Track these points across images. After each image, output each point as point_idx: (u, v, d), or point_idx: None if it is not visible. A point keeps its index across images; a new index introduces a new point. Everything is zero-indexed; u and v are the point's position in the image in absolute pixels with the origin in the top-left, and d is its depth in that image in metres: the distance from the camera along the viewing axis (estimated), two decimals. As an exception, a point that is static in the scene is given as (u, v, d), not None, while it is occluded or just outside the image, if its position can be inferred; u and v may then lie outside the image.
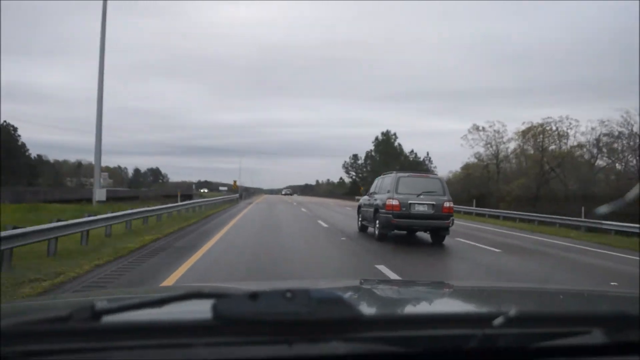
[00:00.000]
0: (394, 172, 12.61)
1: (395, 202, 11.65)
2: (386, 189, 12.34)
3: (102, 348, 0.88)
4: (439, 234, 12.06)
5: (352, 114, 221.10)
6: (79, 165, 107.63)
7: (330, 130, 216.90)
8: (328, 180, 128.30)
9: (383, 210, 11.90)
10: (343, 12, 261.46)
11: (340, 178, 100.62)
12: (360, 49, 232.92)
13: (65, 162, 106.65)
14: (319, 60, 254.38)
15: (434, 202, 11.67)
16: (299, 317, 0.88)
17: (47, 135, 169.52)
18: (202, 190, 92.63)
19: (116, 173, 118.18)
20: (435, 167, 64.54)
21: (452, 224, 11.94)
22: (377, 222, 12.24)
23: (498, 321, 0.97)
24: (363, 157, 77.53)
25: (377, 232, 12.31)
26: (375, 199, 12.80)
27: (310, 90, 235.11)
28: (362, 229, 14.51)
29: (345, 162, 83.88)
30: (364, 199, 14.64)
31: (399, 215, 11.61)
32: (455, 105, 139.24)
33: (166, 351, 0.89)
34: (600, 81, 78.61)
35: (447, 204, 11.74)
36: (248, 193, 69.75)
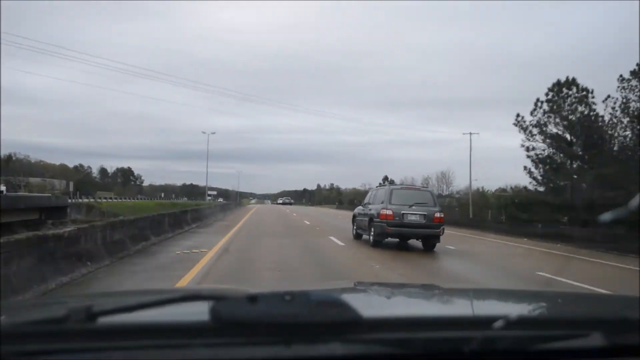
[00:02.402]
0: (387, 184, 13.68)
1: (389, 212, 12.47)
2: (380, 200, 13.15)
3: (99, 348, 0.88)
4: (430, 242, 12.98)
5: (350, 122, 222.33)
6: (8, 159, 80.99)
7: (328, 137, 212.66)
8: (332, 185, 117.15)
9: (377, 220, 12.71)
10: (342, 20, 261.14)
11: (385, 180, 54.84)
12: (359, 57, 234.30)
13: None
14: (316, 67, 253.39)
15: (425, 213, 12.53)
16: (298, 319, 0.89)
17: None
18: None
19: (73, 174, 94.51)
20: None
21: (443, 232, 12.99)
22: (372, 230, 13.12)
23: (499, 324, 0.97)
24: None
25: (372, 239, 13.25)
26: (370, 209, 13.64)
27: (307, 96, 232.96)
28: (357, 236, 15.31)
29: (534, 110, 29.21)
30: (358, 209, 15.57)
31: (393, 224, 12.42)
32: (448, 113, 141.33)
33: (164, 352, 0.89)
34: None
35: (437, 214, 12.66)
36: (209, 211, 26.39)
